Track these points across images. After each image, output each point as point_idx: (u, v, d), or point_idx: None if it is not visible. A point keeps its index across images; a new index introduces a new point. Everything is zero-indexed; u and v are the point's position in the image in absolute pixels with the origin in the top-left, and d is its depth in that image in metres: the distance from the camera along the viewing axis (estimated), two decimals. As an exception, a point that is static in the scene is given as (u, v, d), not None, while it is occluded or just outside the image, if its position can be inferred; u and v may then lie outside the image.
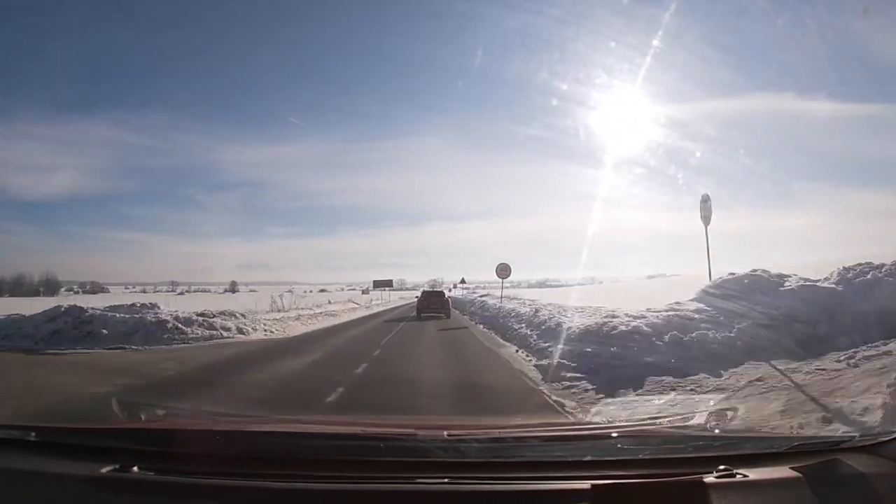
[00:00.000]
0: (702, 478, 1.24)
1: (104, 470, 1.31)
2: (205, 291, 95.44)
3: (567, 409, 4.59)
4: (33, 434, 1.51)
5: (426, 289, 36.47)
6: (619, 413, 2.06)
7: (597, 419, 2.01)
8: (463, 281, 47.38)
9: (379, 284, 62.25)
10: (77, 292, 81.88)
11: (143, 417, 1.90)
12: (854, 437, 1.48)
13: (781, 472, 1.30)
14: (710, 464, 1.30)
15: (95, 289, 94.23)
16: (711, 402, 1.84)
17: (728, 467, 1.28)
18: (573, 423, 2.28)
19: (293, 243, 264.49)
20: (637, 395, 4.84)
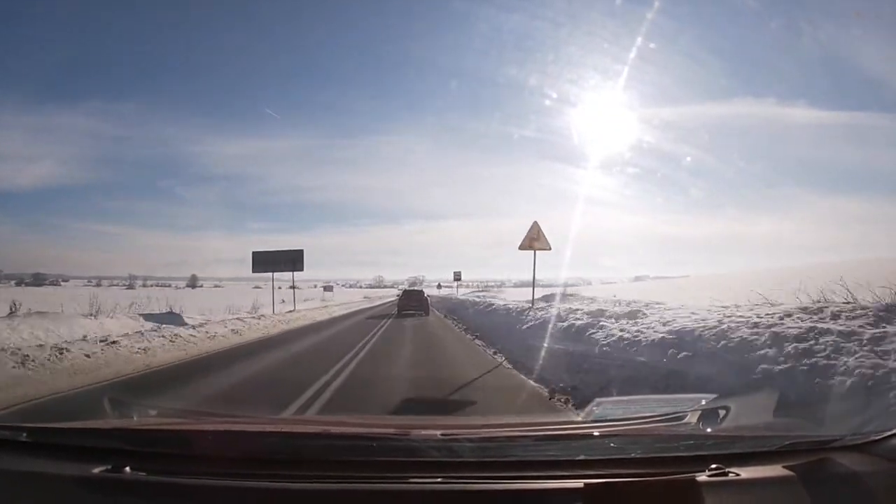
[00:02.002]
0: (694, 477, 1.25)
1: (96, 470, 1.31)
2: (166, 286, 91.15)
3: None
4: (25, 434, 1.50)
5: (406, 288, 36.03)
6: (611, 412, 2.06)
7: (589, 418, 2.01)
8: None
9: (263, 265, 22.70)
10: (20, 284, 75.98)
11: (135, 417, 1.88)
12: (845, 435, 1.49)
13: (773, 470, 1.31)
14: (702, 463, 1.30)
15: (38, 281, 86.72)
16: (703, 401, 1.85)
17: (720, 466, 1.29)
18: (566, 422, 2.28)
19: (272, 239, 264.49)
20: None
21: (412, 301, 22.81)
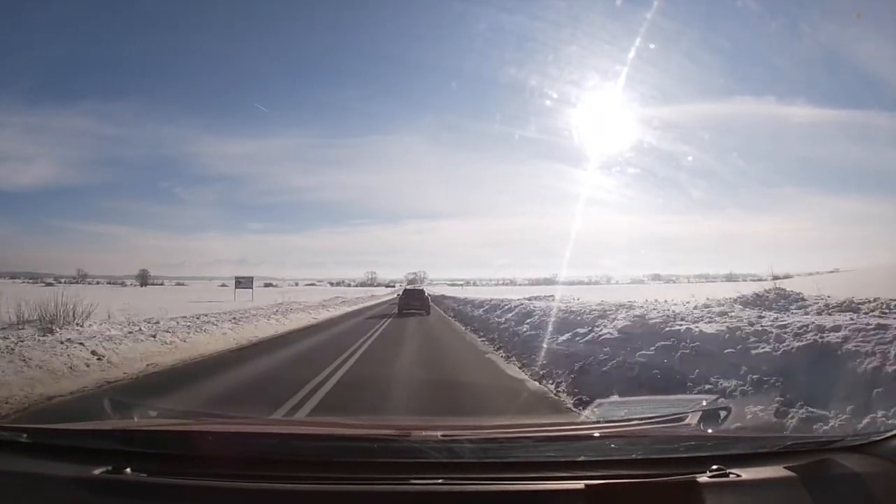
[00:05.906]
0: (695, 478, 1.24)
1: (96, 471, 1.30)
2: (121, 284, 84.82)
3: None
4: (25, 435, 1.49)
5: (407, 287, 34.70)
6: (612, 412, 2.07)
7: (590, 419, 2.02)
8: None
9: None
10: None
11: (135, 418, 1.88)
12: (846, 436, 1.49)
13: (774, 471, 1.31)
14: (703, 464, 1.30)
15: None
16: (704, 402, 1.85)
17: (721, 467, 1.29)
18: (567, 423, 2.28)
19: (269, 238, 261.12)
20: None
21: (413, 300, 22.07)
